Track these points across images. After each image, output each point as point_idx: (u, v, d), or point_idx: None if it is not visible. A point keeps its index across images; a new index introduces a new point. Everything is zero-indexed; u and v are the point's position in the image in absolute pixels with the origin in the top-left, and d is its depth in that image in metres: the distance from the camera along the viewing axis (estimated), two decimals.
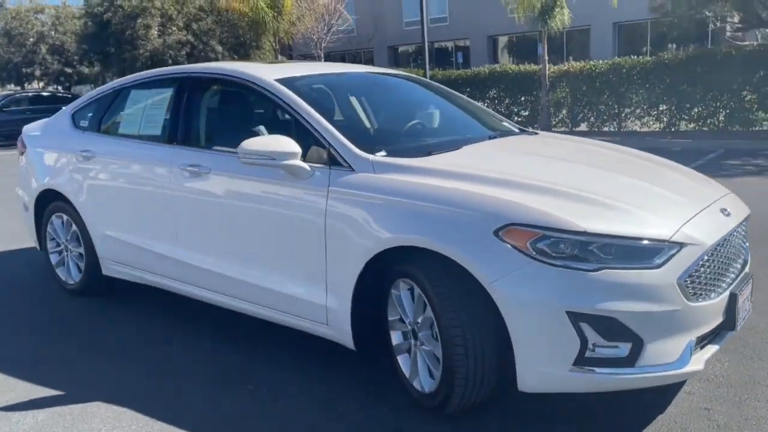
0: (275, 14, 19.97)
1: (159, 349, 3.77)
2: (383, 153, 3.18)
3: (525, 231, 2.56)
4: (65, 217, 4.64)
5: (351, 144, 3.17)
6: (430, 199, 2.80)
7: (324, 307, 3.20)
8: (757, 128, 14.03)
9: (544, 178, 2.90)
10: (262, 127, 3.49)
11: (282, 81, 3.57)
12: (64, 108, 5.00)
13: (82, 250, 4.57)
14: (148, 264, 4.12)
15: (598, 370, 2.53)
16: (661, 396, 2.93)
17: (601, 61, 15.33)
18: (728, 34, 28.33)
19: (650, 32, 32.71)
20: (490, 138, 3.76)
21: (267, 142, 3.17)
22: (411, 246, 2.82)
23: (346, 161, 3.13)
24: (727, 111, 14.21)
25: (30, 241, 5.13)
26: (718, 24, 14.33)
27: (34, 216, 4.90)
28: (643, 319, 2.49)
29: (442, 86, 4.68)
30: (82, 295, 4.68)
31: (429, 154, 3.24)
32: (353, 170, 3.10)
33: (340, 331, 3.18)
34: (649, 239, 2.56)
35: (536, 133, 4.23)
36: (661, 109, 14.89)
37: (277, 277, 3.38)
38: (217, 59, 20.42)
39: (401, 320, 3.05)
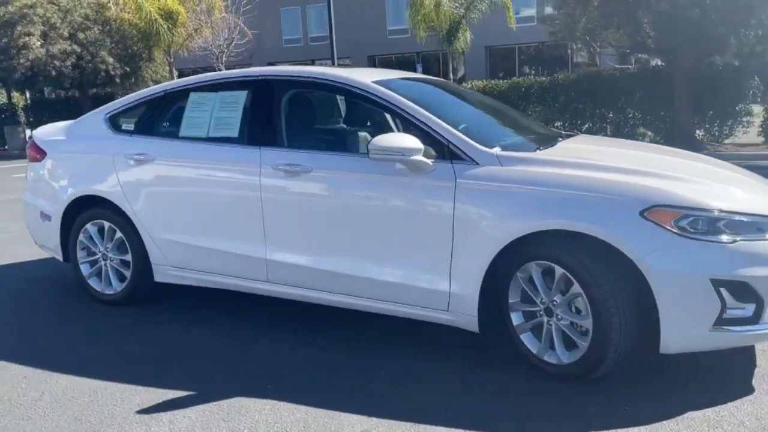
0: (170, 26, 19.45)
1: (251, 348, 3.77)
2: (498, 148, 3.46)
3: (669, 211, 2.96)
4: (107, 225, 4.46)
5: (471, 140, 3.43)
6: (573, 187, 3.13)
7: (447, 294, 3.41)
8: (638, 141, 15.62)
9: (656, 167, 3.33)
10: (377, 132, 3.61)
11: (379, 83, 3.75)
12: (92, 112, 4.80)
13: (128, 257, 4.42)
14: (220, 266, 4.10)
15: (732, 328, 2.97)
16: (746, 356, 3.42)
17: (502, 81, 16.37)
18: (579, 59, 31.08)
19: (517, 56, 35.20)
20: (562, 138, 4.15)
21: (396, 139, 3.36)
22: (550, 230, 3.12)
23: (468, 156, 3.38)
24: (613, 126, 15.69)
25: (14, 254, 4.81)
26: (600, 49, 15.92)
27: (60, 225, 4.64)
28: (766, 282, 2.96)
29: (476, 92, 5.02)
30: (119, 305, 4.50)
31: (537, 149, 3.57)
32: (477, 164, 3.36)
33: (462, 315, 3.42)
34: (763, 215, 3.04)
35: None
36: (556, 124, 16.13)
37: (392, 269, 3.55)
38: (107, 71, 19.45)
39: (522, 301, 3.34)
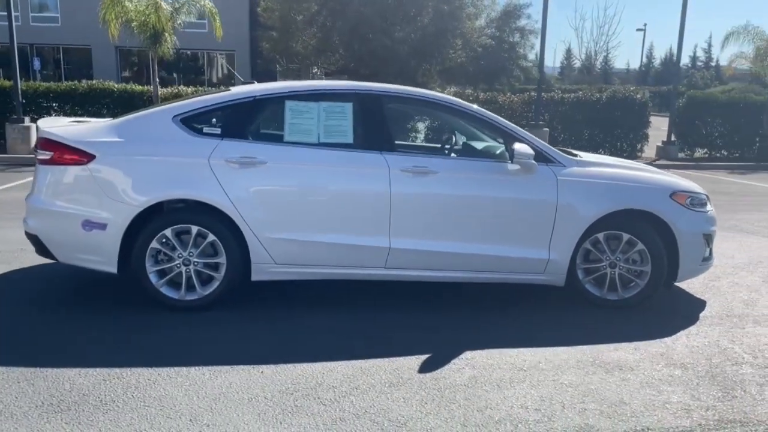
0: None
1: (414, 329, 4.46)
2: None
3: (683, 194, 4.89)
4: (194, 228, 4.39)
5: (554, 148, 4.83)
6: (631, 180, 4.85)
7: (545, 261, 4.75)
8: None
9: (643, 166, 5.23)
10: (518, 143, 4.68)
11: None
12: (145, 112, 4.53)
13: (218, 259, 4.45)
14: (334, 258, 4.57)
15: (704, 263, 5.04)
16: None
17: (212, 88, 16.75)
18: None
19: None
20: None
21: (526, 147, 4.56)
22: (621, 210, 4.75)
23: (557, 160, 4.77)
24: None
25: None
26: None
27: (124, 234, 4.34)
28: (714, 234, 5.09)
29: None
30: (197, 311, 4.49)
31: (576, 155, 5.12)
32: (564, 166, 4.77)
33: (554, 275, 4.81)
34: (706, 194, 5.18)
35: None
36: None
37: (504, 246, 4.69)
38: None
39: (583, 261, 4.87)
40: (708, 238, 4.98)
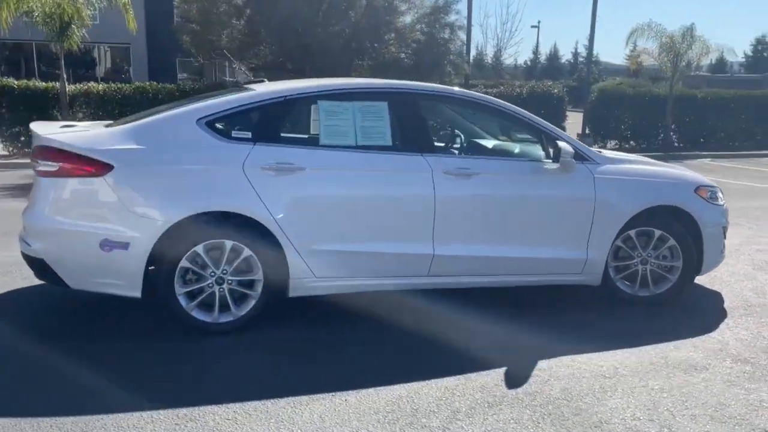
0: None
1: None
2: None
3: (705, 189, 4.97)
4: (229, 243, 3.95)
5: (587, 146, 4.75)
6: (661, 176, 4.87)
7: (583, 260, 4.67)
8: None
9: (659, 163, 5.28)
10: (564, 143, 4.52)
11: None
12: (163, 116, 4.02)
13: (253, 276, 4.03)
14: (376, 268, 4.27)
15: (722, 255, 5.15)
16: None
17: (126, 85, 15.60)
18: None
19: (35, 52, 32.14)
20: None
21: (568, 146, 4.44)
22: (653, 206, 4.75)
23: (592, 158, 4.70)
24: None
25: None
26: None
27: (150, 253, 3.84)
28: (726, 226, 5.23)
29: None
30: (229, 333, 4.07)
31: (600, 151, 5.08)
32: (598, 163, 4.71)
33: (591, 275, 4.75)
34: (719, 188, 5.30)
35: None
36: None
37: (547, 247, 4.58)
38: None
39: (613, 259, 4.84)
40: (725, 231, 5.09)
